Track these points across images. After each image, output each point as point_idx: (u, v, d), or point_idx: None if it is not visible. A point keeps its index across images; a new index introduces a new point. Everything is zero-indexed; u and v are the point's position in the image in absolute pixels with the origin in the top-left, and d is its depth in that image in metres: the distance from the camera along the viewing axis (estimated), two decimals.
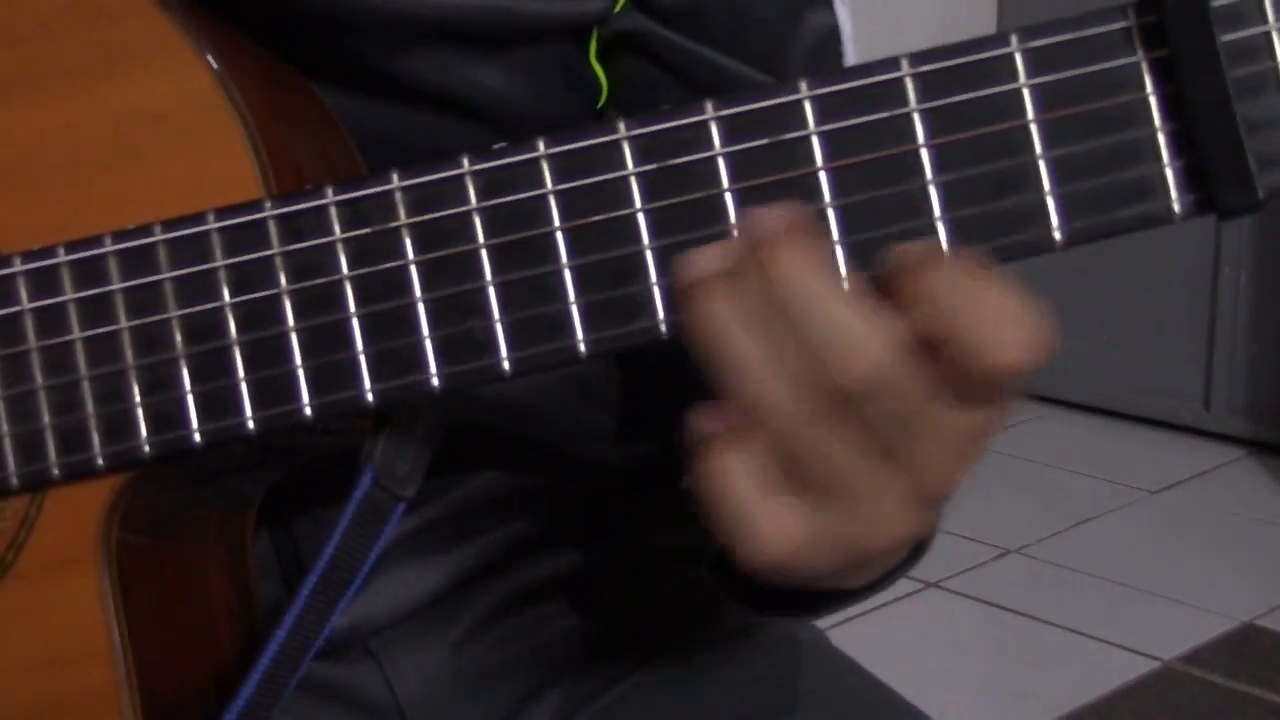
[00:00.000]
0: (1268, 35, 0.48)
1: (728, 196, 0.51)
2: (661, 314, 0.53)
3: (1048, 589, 2.41)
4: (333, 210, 0.55)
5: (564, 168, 0.53)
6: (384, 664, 0.77)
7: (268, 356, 0.56)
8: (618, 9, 0.73)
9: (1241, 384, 2.90)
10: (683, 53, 0.73)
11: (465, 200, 0.54)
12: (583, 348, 0.53)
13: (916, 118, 0.50)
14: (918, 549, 0.61)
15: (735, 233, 0.51)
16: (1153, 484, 2.77)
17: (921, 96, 0.50)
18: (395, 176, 0.54)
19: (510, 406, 0.73)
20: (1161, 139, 0.49)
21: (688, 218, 0.52)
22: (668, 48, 0.73)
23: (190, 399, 0.56)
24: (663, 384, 0.55)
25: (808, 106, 0.51)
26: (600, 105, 0.76)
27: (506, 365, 0.54)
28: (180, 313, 0.56)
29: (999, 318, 0.46)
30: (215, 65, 0.59)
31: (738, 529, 0.49)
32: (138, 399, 0.57)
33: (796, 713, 0.76)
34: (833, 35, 0.75)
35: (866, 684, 0.80)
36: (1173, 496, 2.75)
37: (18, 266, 0.58)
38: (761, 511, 0.48)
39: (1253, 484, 2.79)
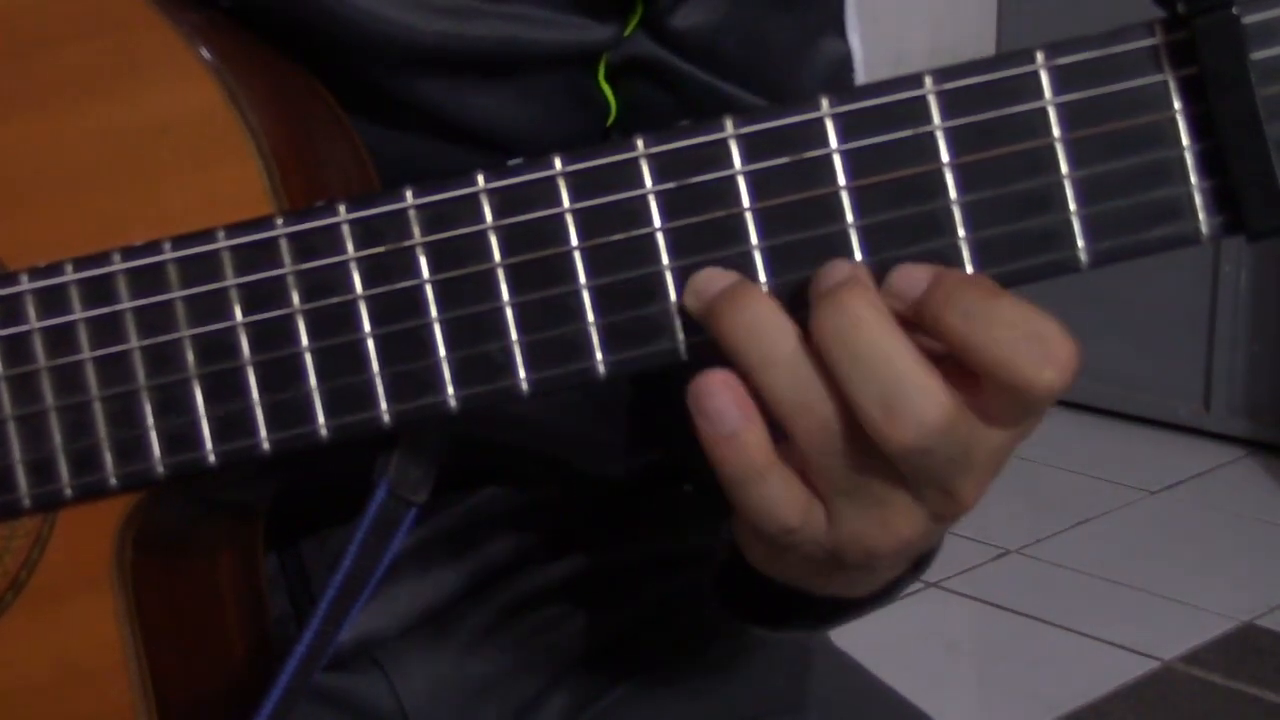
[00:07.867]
0: None
1: (748, 216, 0.51)
2: (681, 335, 0.52)
3: (1048, 589, 2.41)
4: (345, 228, 0.54)
5: (581, 185, 0.52)
6: (390, 673, 0.77)
7: (282, 377, 0.55)
8: (627, 34, 0.72)
9: (1241, 384, 2.89)
10: (692, 82, 0.72)
11: (481, 219, 0.53)
12: (601, 369, 0.53)
13: (940, 136, 0.49)
14: (921, 562, 0.61)
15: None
16: (1153, 484, 2.77)
17: (945, 114, 0.49)
18: (409, 194, 0.53)
19: (522, 422, 0.72)
20: (1189, 159, 0.48)
21: (708, 237, 0.51)
22: (677, 76, 0.72)
23: (204, 421, 0.56)
24: (676, 392, 0.54)
25: (829, 124, 0.50)
26: (609, 125, 0.75)
27: (525, 386, 0.53)
28: (192, 332, 0.56)
29: (1027, 335, 0.46)
30: (223, 77, 0.58)
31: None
32: (150, 420, 0.56)
33: (805, 713, 0.76)
34: (845, 64, 0.74)
35: (874, 687, 0.80)
36: (1173, 496, 2.74)
37: (25, 284, 0.57)
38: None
39: (1253, 484, 2.79)
